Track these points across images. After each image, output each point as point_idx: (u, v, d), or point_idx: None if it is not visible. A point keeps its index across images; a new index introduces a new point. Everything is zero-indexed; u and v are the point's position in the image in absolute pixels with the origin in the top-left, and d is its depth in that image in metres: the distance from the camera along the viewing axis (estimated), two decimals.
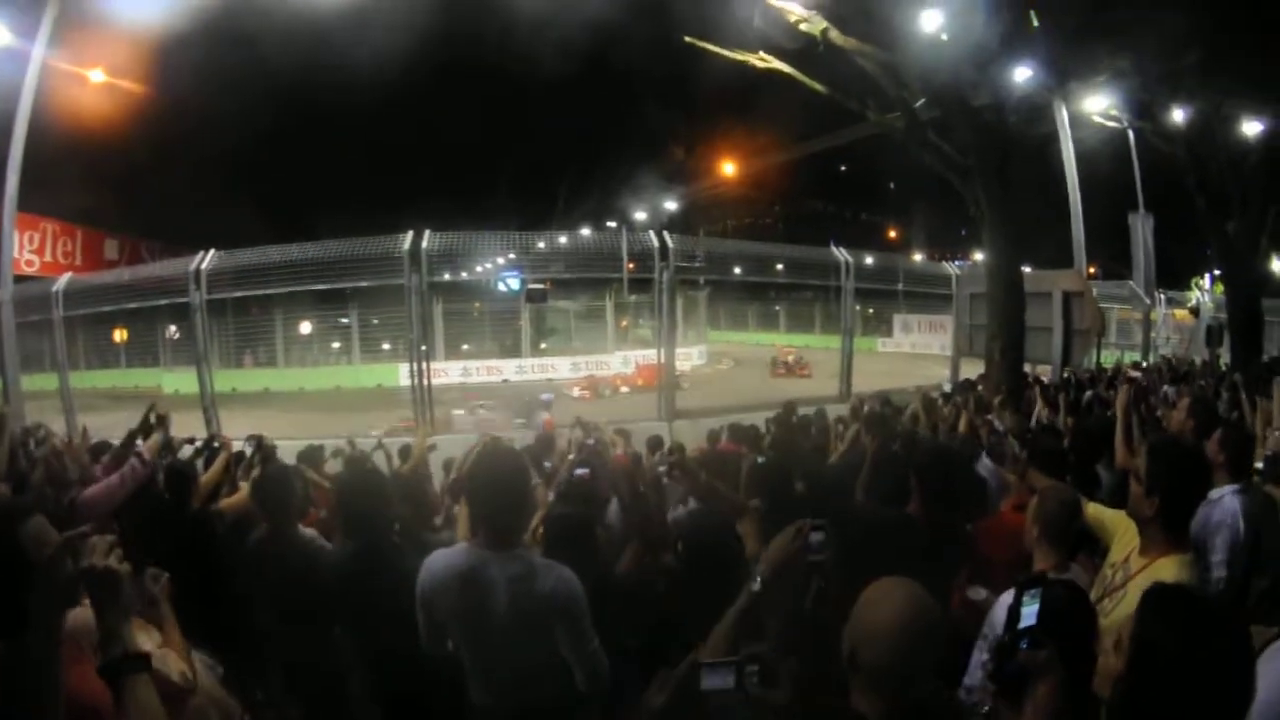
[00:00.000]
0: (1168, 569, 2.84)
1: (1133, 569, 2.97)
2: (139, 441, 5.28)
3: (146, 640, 2.35)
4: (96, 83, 21.52)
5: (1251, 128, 18.72)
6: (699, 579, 3.35)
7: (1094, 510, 3.62)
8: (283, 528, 4.34)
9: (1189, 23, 15.64)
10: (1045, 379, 13.73)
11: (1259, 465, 4.10)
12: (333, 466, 7.93)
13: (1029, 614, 1.68)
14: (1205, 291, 30.54)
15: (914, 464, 4.15)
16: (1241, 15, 15.87)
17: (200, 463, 6.58)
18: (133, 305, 18.06)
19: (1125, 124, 22.05)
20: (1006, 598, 2.95)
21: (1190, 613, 1.78)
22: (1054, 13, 16.31)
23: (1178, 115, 19.16)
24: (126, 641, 1.88)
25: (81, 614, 2.15)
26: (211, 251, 15.85)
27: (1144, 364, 19.69)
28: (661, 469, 5.34)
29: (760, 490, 4.12)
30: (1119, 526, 3.37)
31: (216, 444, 6.73)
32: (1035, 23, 16.44)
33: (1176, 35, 16.03)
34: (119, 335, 26.88)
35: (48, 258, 25.10)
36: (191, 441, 6.99)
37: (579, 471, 5.09)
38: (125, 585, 1.94)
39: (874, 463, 4.71)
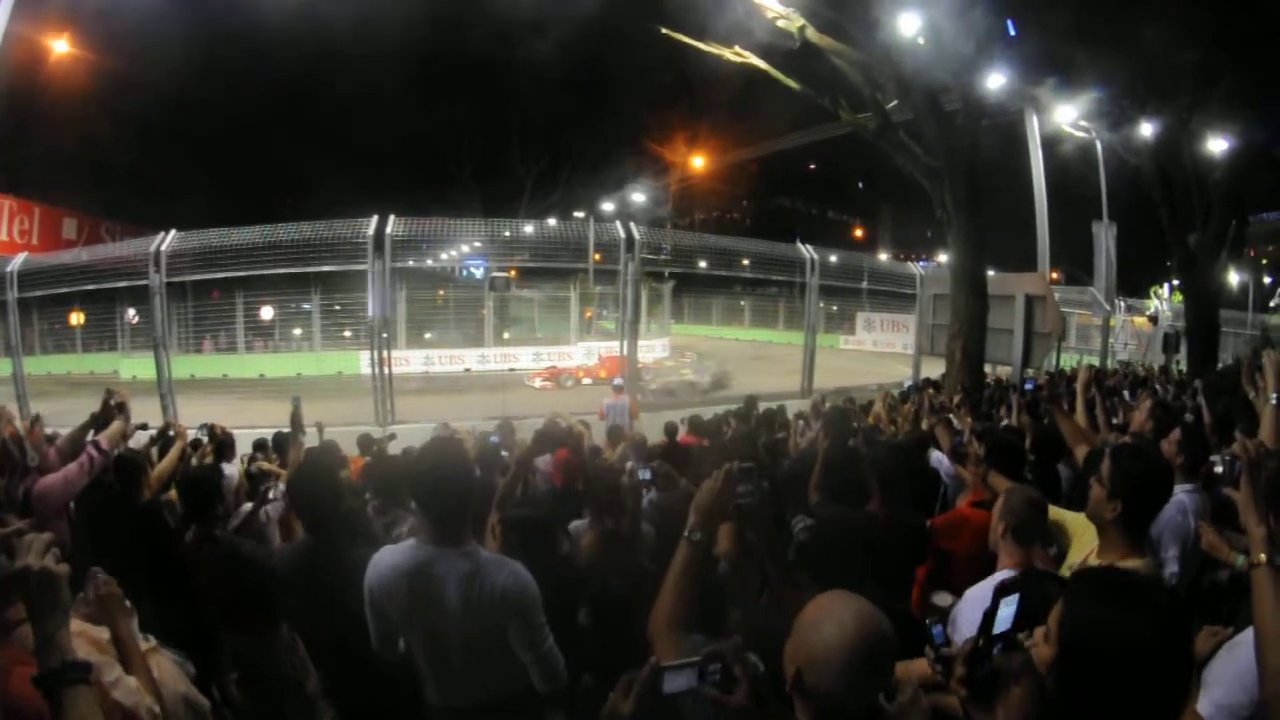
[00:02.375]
0: None
1: None
2: (92, 432, 5.11)
3: (109, 669, 2.25)
4: (59, 56, 21.13)
5: (1217, 144, 18.99)
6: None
7: (1054, 512, 3.64)
8: (209, 529, 4.26)
9: (1163, 37, 15.88)
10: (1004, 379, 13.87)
11: (1218, 469, 4.15)
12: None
13: (1005, 618, 1.63)
14: (1164, 300, 30.99)
15: (873, 463, 4.15)
16: (1213, 33, 16.13)
17: (155, 451, 6.48)
18: (90, 287, 17.74)
19: (1094, 135, 22.29)
20: (966, 603, 2.96)
21: (1117, 592, 1.78)
22: (1032, 21, 16.46)
23: (1146, 129, 19.41)
24: (65, 649, 1.73)
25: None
26: (172, 232, 15.67)
27: (1103, 368, 19.88)
28: (645, 476, 5.31)
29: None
30: (1078, 528, 3.41)
31: (171, 432, 6.62)
32: (1012, 30, 16.59)
33: (1150, 50, 16.28)
34: (76, 318, 26.28)
35: (3, 236, 24.71)
36: (144, 427, 6.83)
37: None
38: (63, 588, 1.77)
39: (826, 463, 4.70)
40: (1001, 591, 1.66)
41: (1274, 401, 3.85)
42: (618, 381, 15.22)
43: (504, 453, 5.97)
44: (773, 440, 7.76)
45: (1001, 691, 1.43)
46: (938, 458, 5.82)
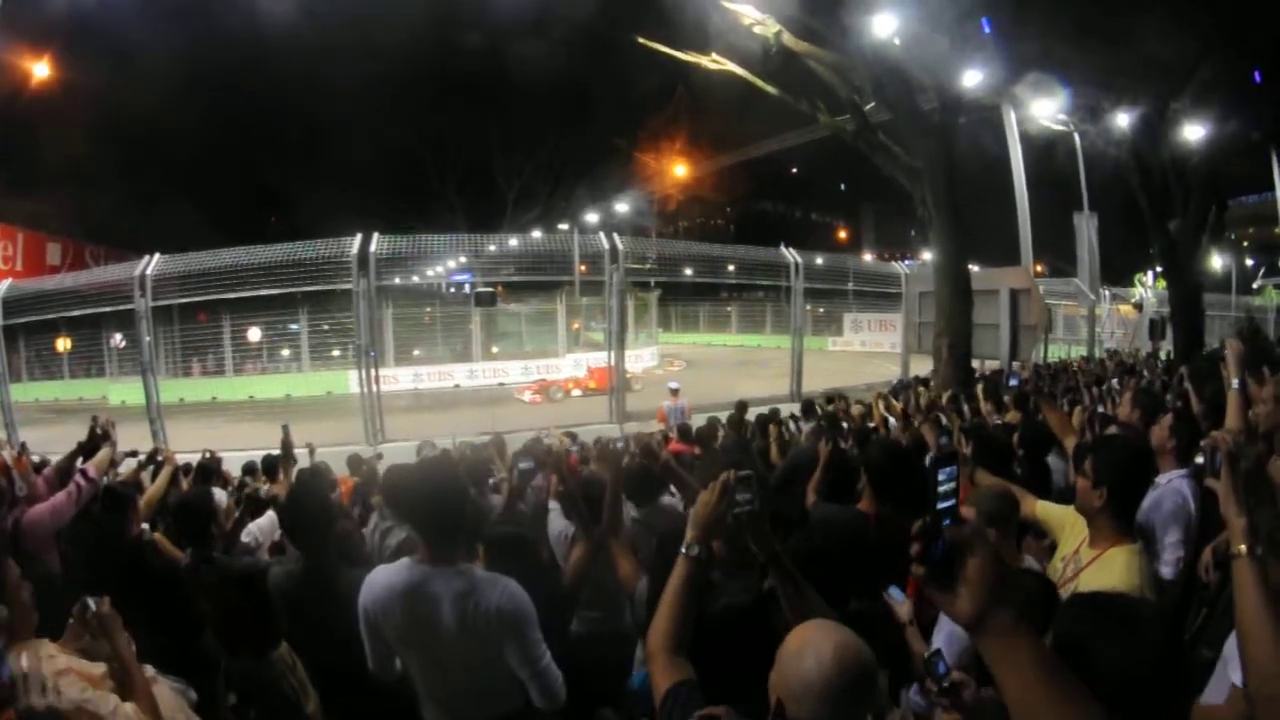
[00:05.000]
0: (1118, 558, 2.90)
1: (1084, 560, 3.03)
2: (80, 460, 5.04)
3: (104, 701, 2.26)
4: (40, 80, 21.08)
5: (1194, 131, 19.09)
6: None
7: (1041, 508, 3.69)
8: (205, 552, 4.24)
9: (1138, 29, 15.99)
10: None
11: (1199, 459, 4.18)
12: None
13: (946, 491, 1.60)
14: (1148, 287, 31.14)
15: (865, 461, 4.15)
16: (1188, 23, 16.25)
17: (147, 475, 6.45)
18: (76, 313, 17.65)
19: (1072, 127, 22.40)
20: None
21: (1107, 617, 1.78)
22: (1006, 18, 16.53)
23: (1122, 120, 19.52)
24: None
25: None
26: (157, 256, 15.58)
27: (1092, 358, 19.95)
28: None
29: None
30: (1066, 521, 3.44)
31: (160, 458, 6.58)
32: (987, 28, 16.66)
33: (1126, 42, 16.39)
34: (62, 344, 26.17)
35: None
36: (133, 454, 6.80)
37: (522, 465, 5.04)
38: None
39: (826, 465, 4.70)
40: (936, 463, 1.62)
41: (1235, 387, 3.91)
42: (673, 385, 15.27)
43: (492, 467, 5.96)
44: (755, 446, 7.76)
45: (959, 568, 1.41)
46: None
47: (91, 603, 2.57)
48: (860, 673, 1.69)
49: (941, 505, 1.51)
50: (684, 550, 2.40)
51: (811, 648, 1.72)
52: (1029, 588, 2.42)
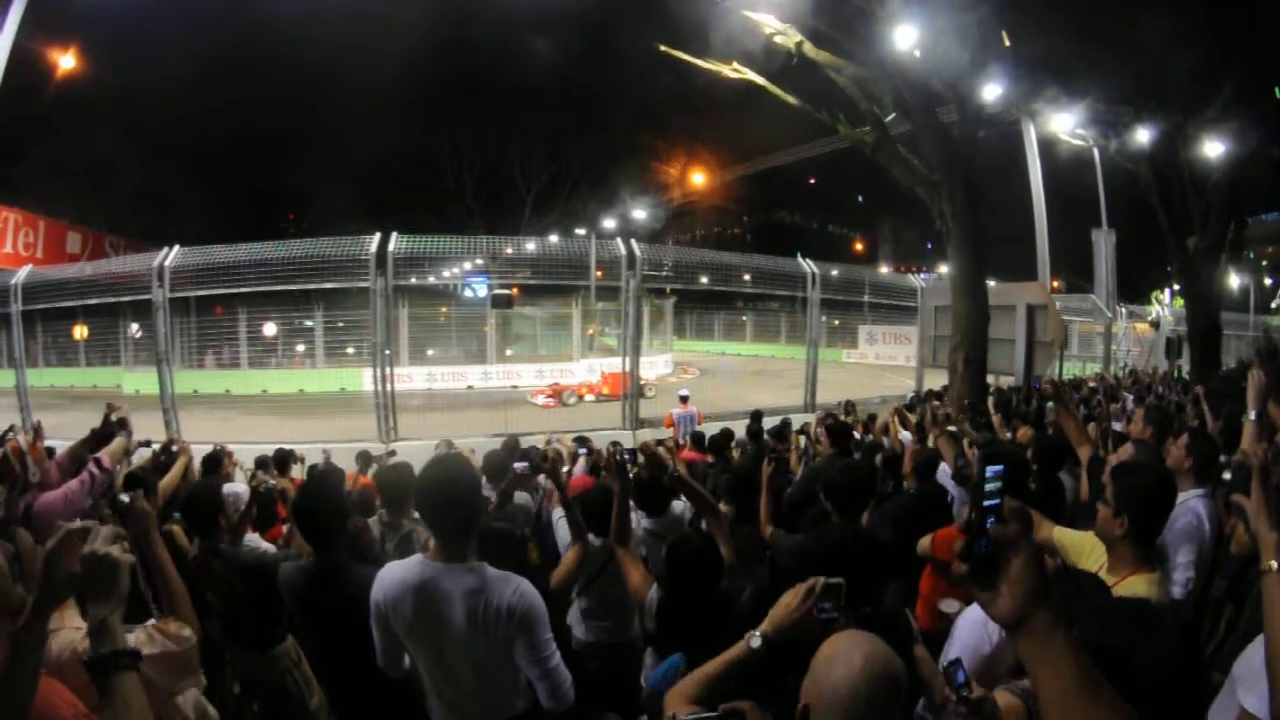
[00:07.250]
0: (1137, 587, 2.86)
1: None
2: (92, 447, 5.03)
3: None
4: (64, 71, 21.21)
5: (1214, 148, 18.99)
6: (682, 589, 3.27)
7: (1058, 533, 3.64)
8: (213, 543, 4.24)
9: (1159, 44, 15.95)
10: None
11: (1226, 475, 4.16)
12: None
13: (993, 490, 1.60)
14: (1165, 305, 30.98)
15: (825, 482, 4.15)
16: (1209, 39, 16.20)
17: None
18: (94, 301, 17.72)
19: (1091, 142, 22.32)
20: (964, 622, 2.96)
21: (1124, 620, 1.77)
22: (1027, 31, 16.50)
23: (1142, 135, 19.44)
24: (117, 636, 1.78)
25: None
26: (175, 248, 15.63)
27: (1105, 375, 19.86)
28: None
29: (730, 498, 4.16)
30: (1084, 546, 3.39)
31: (175, 448, 6.58)
32: (1008, 41, 16.63)
33: (1146, 57, 16.35)
34: (79, 332, 26.34)
35: (8, 249, 24.79)
36: (147, 444, 6.80)
37: (517, 466, 5.07)
38: (124, 578, 1.82)
39: (769, 492, 4.73)
40: (985, 461, 1.62)
41: (1253, 417, 3.90)
42: (683, 392, 15.34)
43: (517, 465, 5.98)
44: (775, 449, 7.74)
45: (1002, 566, 1.42)
46: (944, 471, 5.78)
47: (125, 496, 2.62)
48: (886, 683, 1.70)
49: (987, 504, 1.50)
50: (748, 640, 2.32)
51: (842, 656, 1.74)
52: (1087, 588, 2.41)
